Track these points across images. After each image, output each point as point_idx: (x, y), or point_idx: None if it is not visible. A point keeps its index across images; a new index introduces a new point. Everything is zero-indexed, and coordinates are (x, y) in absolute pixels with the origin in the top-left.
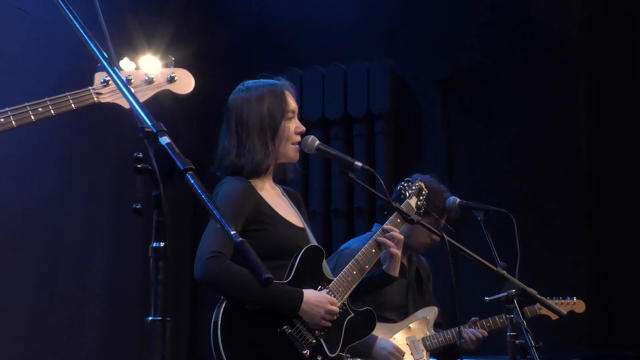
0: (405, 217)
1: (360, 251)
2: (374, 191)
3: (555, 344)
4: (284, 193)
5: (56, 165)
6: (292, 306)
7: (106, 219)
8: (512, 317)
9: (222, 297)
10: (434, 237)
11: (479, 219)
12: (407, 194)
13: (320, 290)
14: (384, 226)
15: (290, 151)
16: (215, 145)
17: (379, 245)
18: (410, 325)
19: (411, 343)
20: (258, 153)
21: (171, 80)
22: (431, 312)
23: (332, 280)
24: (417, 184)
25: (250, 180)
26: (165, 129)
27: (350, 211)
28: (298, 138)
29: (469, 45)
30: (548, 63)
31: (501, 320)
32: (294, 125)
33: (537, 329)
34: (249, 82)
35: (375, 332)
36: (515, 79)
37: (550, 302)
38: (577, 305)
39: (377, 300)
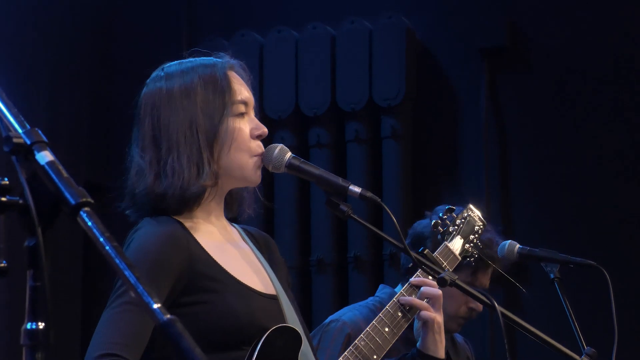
0: (432, 272)
1: (373, 322)
2: (379, 232)
3: None
4: (245, 237)
5: None
6: None
7: None
8: None
9: None
10: (475, 305)
11: (552, 276)
12: (448, 231)
13: None
14: (412, 280)
15: (245, 167)
16: (123, 159)
17: (405, 309)
18: None
19: None
20: (185, 172)
21: None
22: None
23: None
24: (465, 214)
25: (181, 220)
26: (45, 139)
27: (343, 263)
28: (257, 147)
29: None
30: None
31: None
32: (248, 126)
33: None
34: (172, 65)
35: None
36: (603, 48)
37: None
38: None
39: None
